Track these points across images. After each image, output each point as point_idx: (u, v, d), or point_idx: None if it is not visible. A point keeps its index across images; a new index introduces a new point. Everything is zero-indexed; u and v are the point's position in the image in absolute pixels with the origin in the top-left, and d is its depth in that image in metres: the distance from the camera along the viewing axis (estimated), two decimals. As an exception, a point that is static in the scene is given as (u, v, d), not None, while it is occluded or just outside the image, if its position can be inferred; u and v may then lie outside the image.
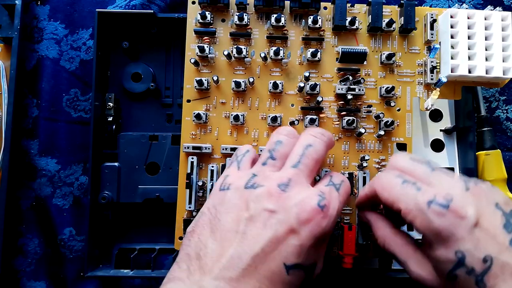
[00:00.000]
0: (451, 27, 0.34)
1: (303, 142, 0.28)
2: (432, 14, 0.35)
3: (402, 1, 0.35)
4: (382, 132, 0.35)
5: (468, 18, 0.34)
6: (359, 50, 0.35)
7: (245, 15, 0.35)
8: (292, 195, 0.25)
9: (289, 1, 0.35)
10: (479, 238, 0.23)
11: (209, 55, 0.35)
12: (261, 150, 0.34)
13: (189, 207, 0.34)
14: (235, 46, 0.34)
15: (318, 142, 0.28)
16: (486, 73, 0.34)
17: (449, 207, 0.23)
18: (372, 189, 0.29)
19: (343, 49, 0.35)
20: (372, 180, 0.29)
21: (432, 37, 0.36)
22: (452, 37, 0.34)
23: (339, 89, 0.35)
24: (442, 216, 0.23)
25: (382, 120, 0.35)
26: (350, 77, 0.35)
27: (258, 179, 0.26)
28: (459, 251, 0.23)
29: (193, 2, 0.36)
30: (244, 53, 0.35)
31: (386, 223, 0.29)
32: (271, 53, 0.35)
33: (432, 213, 0.24)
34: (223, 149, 0.34)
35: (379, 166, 0.35)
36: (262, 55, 0.34)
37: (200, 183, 0.34)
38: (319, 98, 0.34)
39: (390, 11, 0.36)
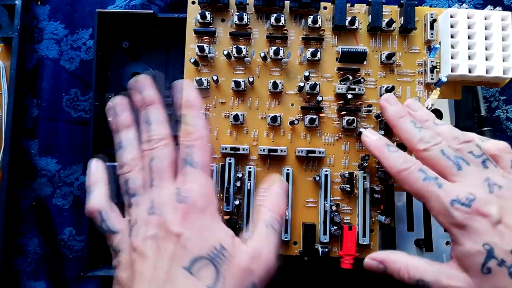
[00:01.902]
0: (451, 26, 0.34)
1: (146, 161, 0.28)
2: (432, 14, 0.35)
3: (402, 1, 0.35)
4: (382, 132, 0.35)
5: (468, 18, 0.34)
6: (359, 50, 0.35)
7: (245, 15, 0.35)
8: (163, 209, 0.25)
9: (289, 1, 0.35)
10: (503, 233, 0.24)
11: (209, 55, 0.35)
12: (262, 150, 0.34)
13: (189, 207, 0.34)
14: (235, 46, 0.34)
15: (157, 151, 0.28)
16: (486, 73, 0.34)
17: (472, 206, 0.25)
18: (388, 163, 0.29)
19: (343, 49, 0.35)
20: (389, 162, 0.29)
21: (432, 37, 0.36)
22: (452, 36, 0.34)
23: (339, 88, 0.35)
24: (465, 213, 0.25)
25: (383, 120, 0.35)
26: (350, 77, 0.35)
27: (133, 222, 0.26)
28: (486, 243, 0.24)
29: (193, 2, 0.36)
30: (244, 53, 0.35)
31: (399, 255, 0.28)
32: (271, 53, 0.35)
33: (455, 211, 0.25)
34: (222, 149, 0.34)
35: (379, 166, 0.35)
36: (262, 55, 0.34)
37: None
38: (319, 98, 0.34)
39: (390, 11, 0.36)
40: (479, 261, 0.24)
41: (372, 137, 0.31)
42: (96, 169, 0.30)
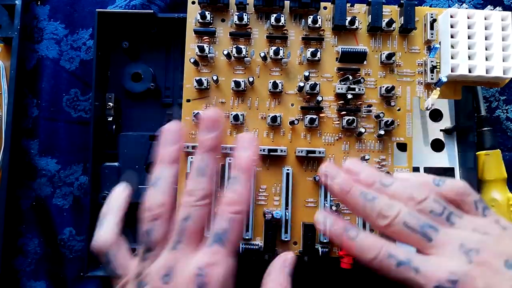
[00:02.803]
0: (451, 26, 0.34)
1: (180, 217, 0.25)
2: (432, 14, 0.35)
3: (402, 1, 0.35)
4: (382, 132, 0.35)
5: (468, 18, 0.34)
6: (359, 50, 0.35)
7: (245, 15, 0.35)
8: (179, 283, 0.23)
9: (289, 1, 0.35)
10: None
11: (208, 55, 0.35)
12: (262, 150, 0.34)
13: (189, 207, 0.34)
14: (235, 46, 0.34)
15: (196, 210, 0.25)
16: (486, 73, 0.34)
17: None
18: (353, 252, 0.26)
19: (343, 49, 0.35)
20: (355, 253, 0.26)
21: (432, 36, 0.36)
22: (452, 36, 0.34)
23: (339, 88, 0.35)
24: None
25: (382, 120, 0.35)
26: (350, 77, 0.35)
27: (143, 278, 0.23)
28: None
29: (193, 2, 0.36)
30: (244, 52, 0.35)
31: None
32: (271, 53, 0.35)
33: None
34: (222, 148, 0.34)
35: (380, 166, 0.35)
36: (262, 54, 0.34)
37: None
38: (319, 98, 0.34)
39: (390, 11, 0.36)
40: None
41: (327, 224, 0.27)
42: (117, 197, 0.28)
